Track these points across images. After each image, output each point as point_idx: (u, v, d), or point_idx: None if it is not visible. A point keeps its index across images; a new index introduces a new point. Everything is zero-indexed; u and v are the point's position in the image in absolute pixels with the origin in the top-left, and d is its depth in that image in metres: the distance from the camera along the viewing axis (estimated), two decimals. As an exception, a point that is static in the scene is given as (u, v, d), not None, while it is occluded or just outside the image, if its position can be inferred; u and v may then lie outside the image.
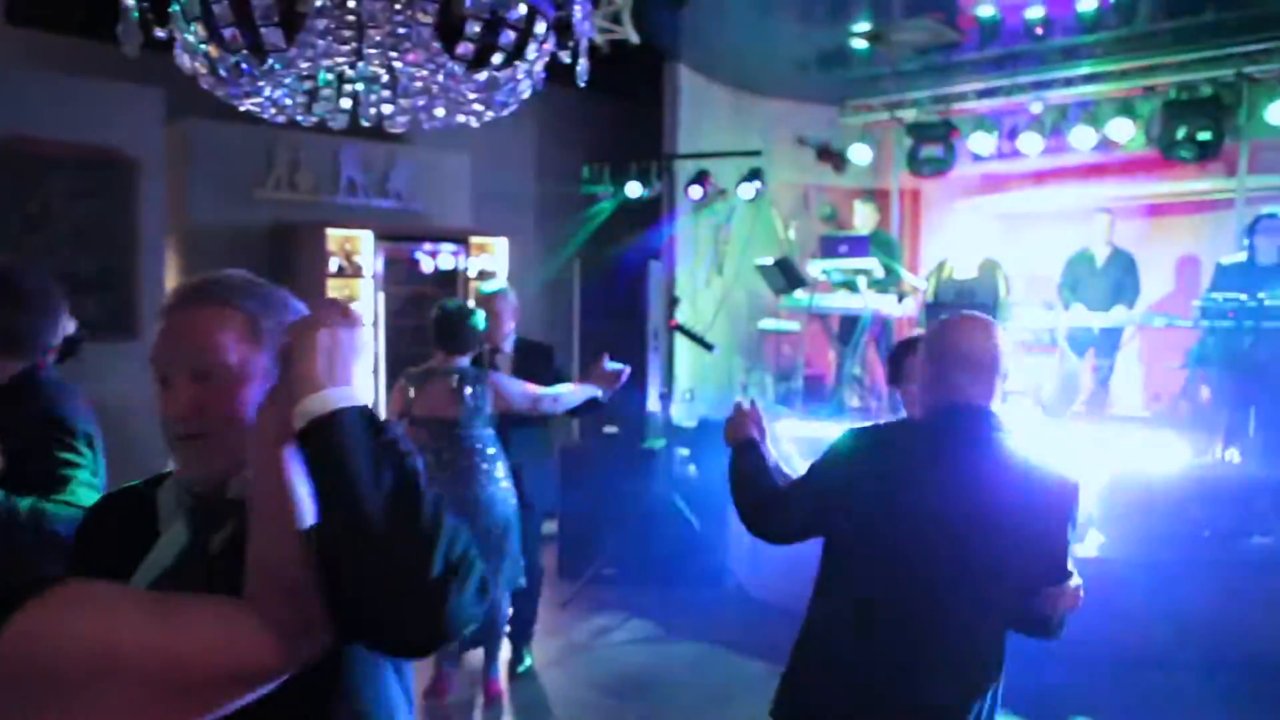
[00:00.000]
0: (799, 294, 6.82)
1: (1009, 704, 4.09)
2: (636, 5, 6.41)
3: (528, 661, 4.57)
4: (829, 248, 6.88)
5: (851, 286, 6.88)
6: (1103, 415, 6.89)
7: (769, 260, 6.77)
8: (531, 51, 2.23)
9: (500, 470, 3.85)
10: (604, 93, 7.20)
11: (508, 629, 4.56)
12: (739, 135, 7.54)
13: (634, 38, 6.49)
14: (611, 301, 5.97)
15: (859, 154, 7.88)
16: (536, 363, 4.31)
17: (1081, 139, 7.05)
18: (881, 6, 7.55)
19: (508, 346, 4.40)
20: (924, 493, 1.95)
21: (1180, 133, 6.64)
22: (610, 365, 3.98)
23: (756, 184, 6.16)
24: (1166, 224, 7.75)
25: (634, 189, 6.54)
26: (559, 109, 7.16)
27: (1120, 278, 6.77)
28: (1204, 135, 6.57)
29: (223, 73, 2.14)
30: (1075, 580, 1.99)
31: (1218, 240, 7.23)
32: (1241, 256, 6.02)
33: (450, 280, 6.53)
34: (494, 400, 3.81)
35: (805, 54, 7.58)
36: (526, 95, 2.44)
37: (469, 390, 3.77)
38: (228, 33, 1.98)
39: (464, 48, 2.13)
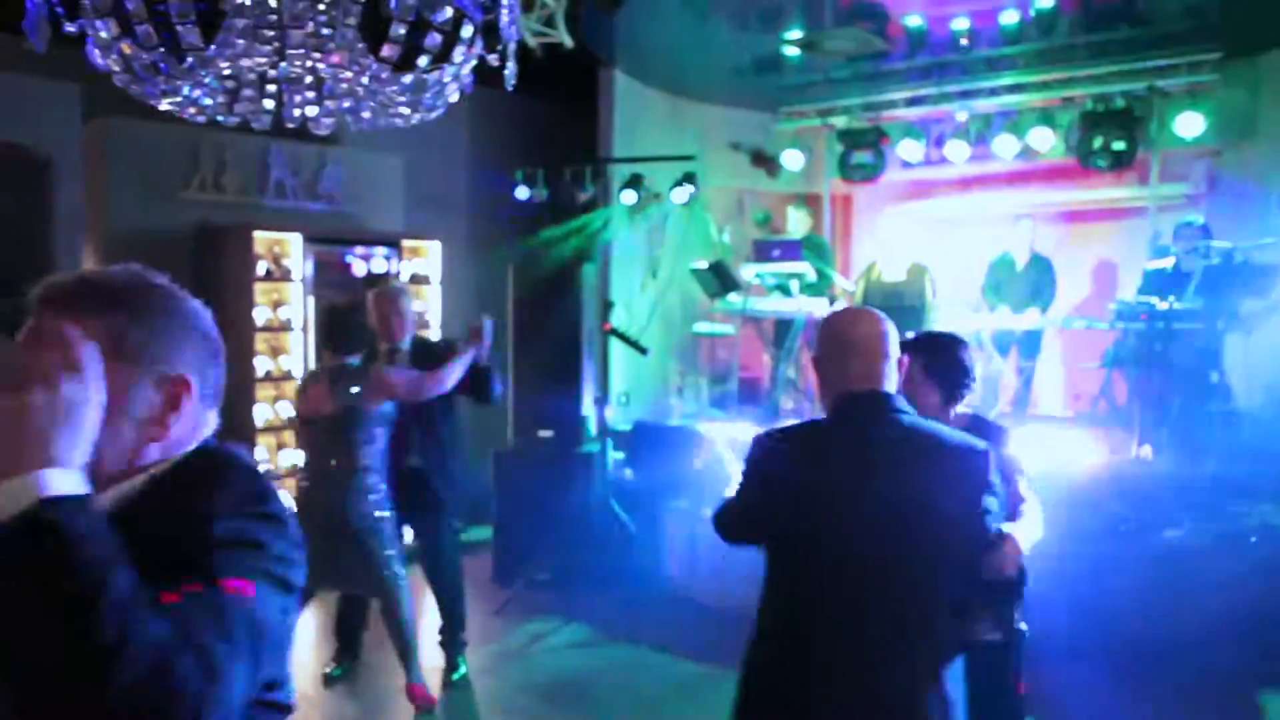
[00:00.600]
0: (733, 297, 6.89)
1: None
2: (570, 10, 6.42)
3: (462, 669, 4.52)
4: (763, 252, 6.96)
5: (785, 290, 6.98)
6: (1026, 415, 7.11)
7: (703, 264, 6.82)
8: (458, 54, 2.22)
9: (368, 477, 3.81)
10: (539, 96, 7.19)
11: (439, 638, 4.54)
12: (674, 140, 7.58)
13: (568, 42, 6.50)
14: (545, 305, 5.96)
15: (792, 159, 7.99)
16: (435, 360, 4.23)
17: (1005, 147, 7.26)
18: (813, 15, 7.69)
19: (405, 345, 4.36)
20: (841, 483, 1.99)
21: (1097, 142, 6.89)
22: (474, 323, 4.11)
23: (690, 188, 6.21)
24: (1085, 230, 8.03)
25: (568, 193, 6.54)
26: (493, 112, 7.13)
27: (1039, 281, 6.99)
28: (1119, 145, 6.82)
29: (139, 71, 2.08)
30: (1013, 543, 2.06)
31: (1132, 246, 7.51)
32: (1168, 262, 6.26)
33: (383, 284, 6.43)
34: (378, 393, 3.79)
35: (739, 60, 7.68)
36: (455, 98, 2.43)
37: (344, 388, 3.76)
38: (141, 30, 1.92)
39: (389, 50, 2.11)
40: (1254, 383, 6.42)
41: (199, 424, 1.17)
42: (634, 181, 6.52)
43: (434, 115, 2.43)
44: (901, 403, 2.05)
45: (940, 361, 2.48)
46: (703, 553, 5.40)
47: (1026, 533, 2.17)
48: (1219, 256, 6.06)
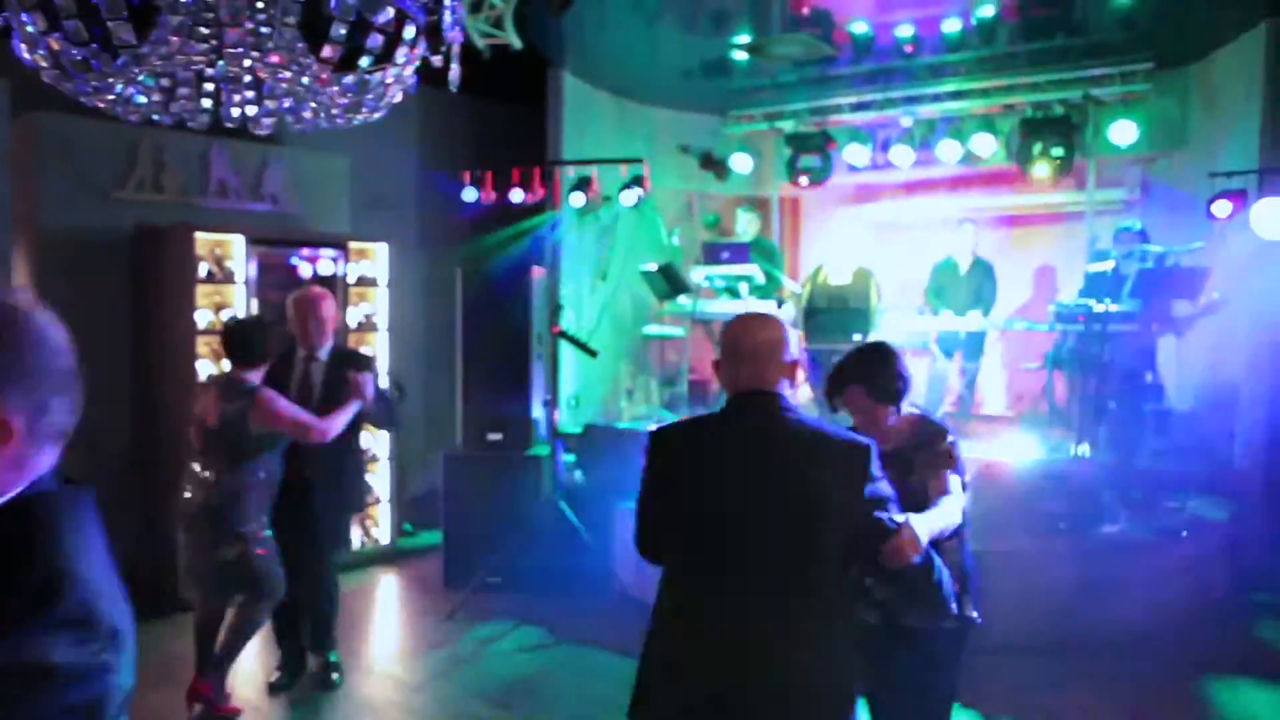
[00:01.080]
0: (683, 300, 6.92)
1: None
2: (519, 11, 6.40)
3: (334, 656, 4.48)
4: (712, 254, 7.01)
5: (734, 292, 7.03)
6: (970, 415, 7.25)
7: (653, 266, 6.85)
8: (400, 55, 2.19)
9: (243, 492, 3.79)
10: (488, 97, 7.15)
11: (309, 642, 4.48)
12: (623, 142, 7.60)
13: (516, 43, 6.47)
14: (494, 308, 5.92)
15: (740, 163, 8.05)
16: (355, 370, 4.14)
17: (948, 152, 7.41)
18: (761, 20, 7.77)
19: (324, 354, 4.25)
20: (723, 474, 2.11)
21: (1036, 149, 7.06)
22: (355, 376, 4.04)
23: (639, 191, 6.22)
24: (1025, 234, 8.21)
25: (516, 195, 6.50)
26: (442, 112, 7.07)
27: (981, 284, 7.14)
28: (1057, 151, 7.00)
29: (68, 67, 2.01)
30: (909, 531, 2.09)
31: (1071, 249, 7.71)
32: (1107, 265, 6.43)
33: (329, 286, 6.33)
34: (259, 419, 3.74)
35: (688, 64, 7.72)
36: (397, 99, 2.40)
37: (231, 403, 3.75)
38: (70, 25, 1.86)
39: (329, 50, 2.08)
40: (1185, 383, 6.63)
41: (24, 465, 1.04)
42: (582, 184, 6.51)
43: (376, 116, 2.40)
44: (788, 401, 2.16)
45: (881, 382, 2.66)
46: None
47: (930, 523, 2.23)
48: (1152, 260, 6.25)
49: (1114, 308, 5.96)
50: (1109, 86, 6.92)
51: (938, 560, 2.37)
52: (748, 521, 2.06)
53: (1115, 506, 5.32)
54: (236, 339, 3.87)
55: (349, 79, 2.19)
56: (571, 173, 6.77)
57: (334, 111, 2.32)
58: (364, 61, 2.14)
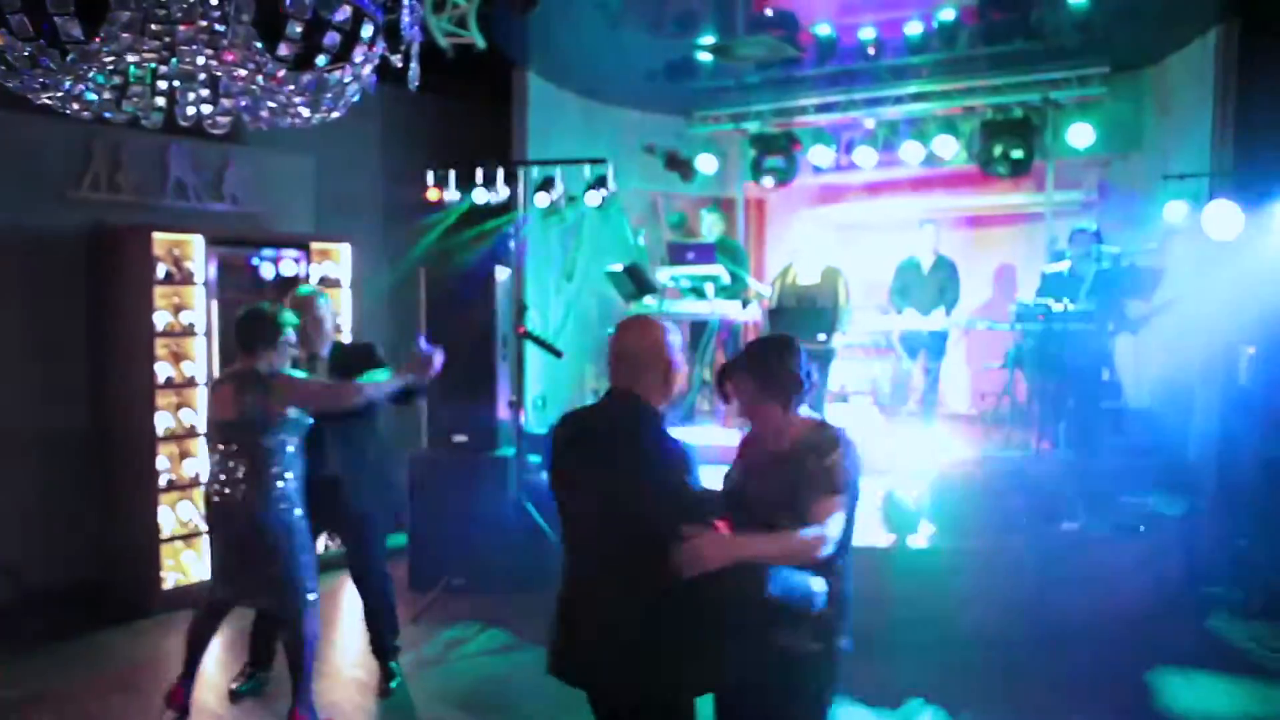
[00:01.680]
0: (648, 300, 6.93)
1: (846, 687, 4.29)
2: (483, 11, 6.36)
3: (398, 678, 4.47)
4: (677, 255, 7.02)
5: (700, 293, 7.05)
6: (934, 413, 7.34)
7: (618, 267, 6.85)
8: (359, 54, 2.17)
9: (275, 483, 3.71)
10: (453, 97, 7.11)
11: (370, 647, 4.49)
12: (588, 142, 7.59)
13: (480, 43, 6.44)
14: (459, 309, 5.87)
15: (706, 163, 8.08)
16: (355, 364, 4.17)
17: (910, 154, 7.50)
18: (726, 21, 7.78)
19: (325, 352, 4.27)
20: (581, 458, 2.42)
21: (996, 150, 7.17)
22: (425, 348, 3.93)
23: (603, 191, 6.21)
24: (986, 234, 8.34)
25: (480, 195, 6.46)
26: (406, 112, 7.01)
27: (944, 284, 7.22)
28: (1017, 153, 7.11)
29: (14, 63, 1.97)
30: (697, 544, 2.16)
31: (1031, 249, 7.84)
32: (1063, 265, 6.54)
33: (290, 287, 6.25)
34: (285, 399, 3.68)
35: (653, 64, 7.72)
36: (356, 98, 2.38)
37: (248, 394, 3.66)
38: (15, 19, 1.82)
39: (285, 48, 2.05)
40: (1142, 380, 6.76)
41: None
42: (547, 184, 6.49)
43: (335, 116, 2.37)
44: (647, 404, 2.37)
45: (770, 376, 2.51)
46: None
47: (751, 548, 2.22)
48: (1109, 261, 6.37)
49: (1072, 307, 6.06)
50: (1066, 90, 7.05)
51: (786, 582, 2.29)
52: (581, 510, 2.40)
53: (1075, 502, 5.40)
54: (248, 327, 3.76)
55: (306, 78, 2.17)
56: (536, 173, 6.75)
57: (292, 111, 2.29)
58: (321, 60, 2.11)
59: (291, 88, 2.18)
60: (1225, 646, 4.97)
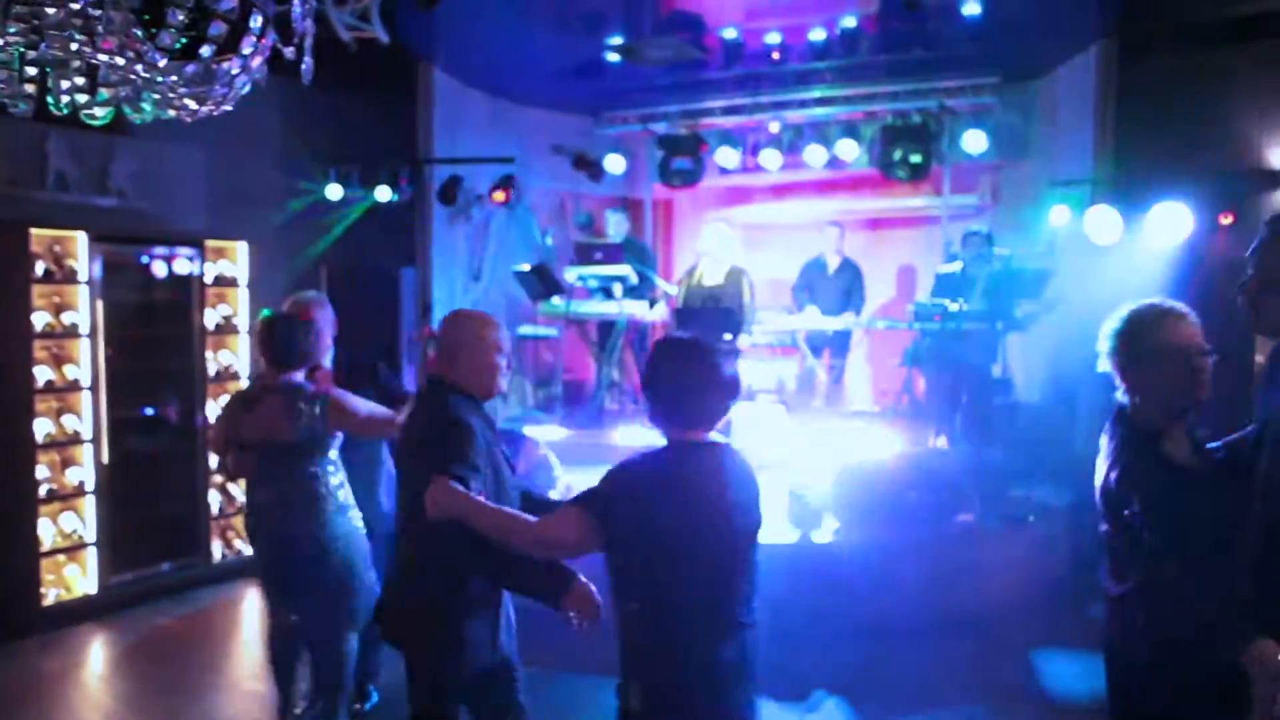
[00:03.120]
0: (556, 300, 6.90)
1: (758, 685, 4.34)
2: (387, 5, 6.22)
3: (374, 698, 4.23)
4: (585, 255, 7.02)
5: (608, 292, 7.06)
6: (837, 410, 7.51)
7: (526, 267, 6.80)
8: (247, 45, 2.09)
9: (347, 499, 3.47)
10: (356, 92, 6.93)
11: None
12: (496, 141, 7.52)
13: (384, 37, 6.29)
14: (362, 310, 5.74)
15: (614, 164, 8.09)
16: (359, 380, 3.90)
17: (814, 157, 7.66)
18: (634, 22, 7.81)
19: (328, 362, 3.95)
20: (402, 443, 2.70)
21: (896, 155, 7.39)
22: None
23: (509, 190, 6.17)
24: (888, 236, 8.58)
25: (384, 193, 6.33)
26: (306, 106, 6.80)
27: (849, 284, 7.41)
28: (915, 158, 7.34)
29: None
30: (440, 485, 2.31)
31: (929, 251, 8.10)
32: (956, 266, 6.78)
33: (184, 287, 6.02)
34: (334, 419, 3.40)
35: (561, 64, 7.69)
36: (245, 91, 2.29)
37: (305, 409, 3.33)
38: None
39: (166, 37, 1.95)
40: (1032, 377, 7.06)
41: None
42: (453, 182, 6.40)
43: (223, 109, 2.27)
44: (450, 388, 2.60)
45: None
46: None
47: (481, 512, 2.33)
48: (1000, 263, 6.63)
49: (965, 307, 6.29)
50: (961, 98, 7.31)
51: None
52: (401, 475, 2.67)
53: (969, 495, 5.59)
54: (278, 336, 3.43)
55: (191, 68, 2.08)
56: (443, 171, 6.66)
57: (177, 102, 2.18)
58: (206, 51, 2.03)
59: (174, 78, 2.09)
60: (1098, 629, 5.22)
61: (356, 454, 3.76)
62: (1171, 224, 5.88)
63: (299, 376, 3.44)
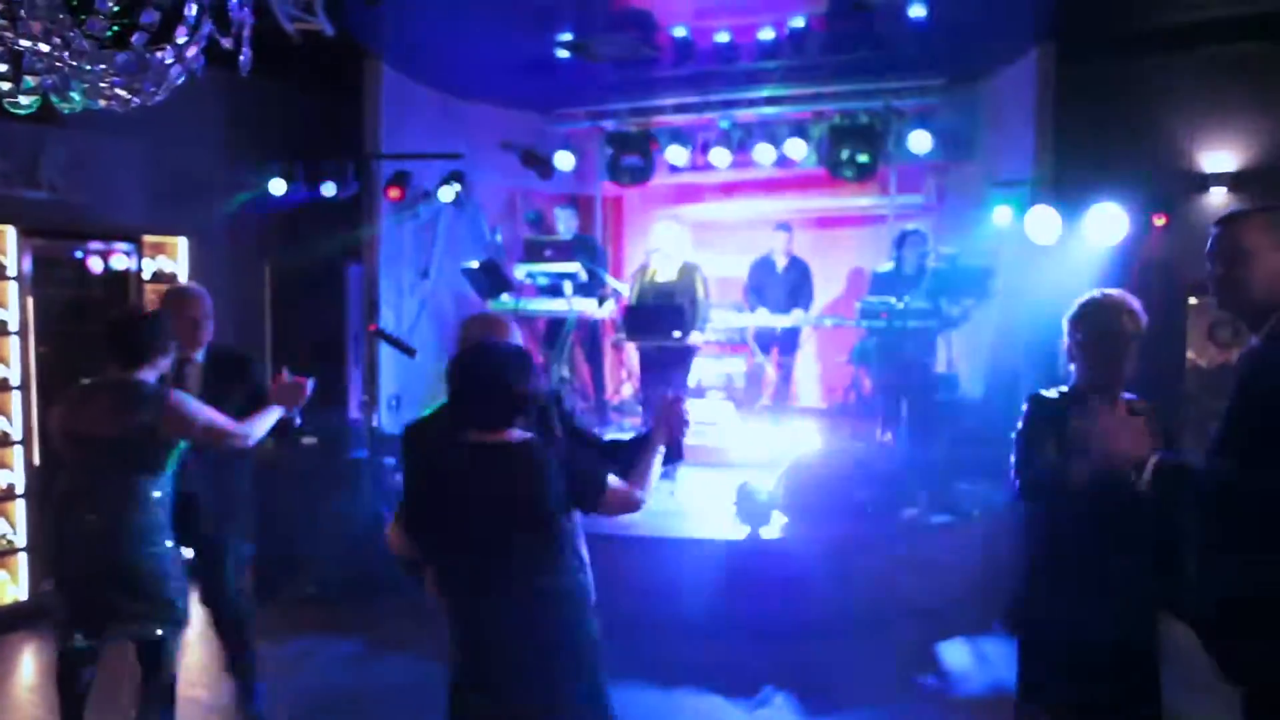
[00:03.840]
0: (505, 297, 6.86)
1: (699, 680, 4.37)
2: (331, -4, 6.12)
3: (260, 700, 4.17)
4: (534, 252, 6.98)
5: (557, 290, 7.03)
6: (786, 407, 7.58)
7: (475, 264, 6.74)
8: (181, 35, 2.03)
9: (152, 511, 3.26)
10: (301, 86, 6.81)
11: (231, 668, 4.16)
12: (444, 137, 7.44)
13: (328, 30, 6.17)
14: (307, 306, 5.66)
15: (563, 160, 8.06)
16: (230, 376, 3.83)
17: (763, 155, 7.71)
18: (584, 18, 7.77)
19: (199, 356, 3.88)
20: None
21: (843, 154, 7.47)
22: (290, 378, 3.61)
23: (457, 187, 6.10)
24: (836, 235, 8.67)
25: (329, 189, 6.22)
26: (249, 99, 6.66)
27: (797, 283, 7.48)
28: (862, 158, 7.44)
29: None
30: None
31: (877, 251, 8.20)
32: (890, 265, 6.89)
33: (122, 283, 5.86)
34: (166, 424, 3.22)
35: (510, 60, 7.63)
36: (180, 82, 2.22)
37: (134, 410, 3.19)
38: None
39: (95, 23, 1.89)
40: (975, 374, 7.20)
41: None
42: (400, 178, 6.32)
43: (156, 101, 2.20)
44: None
45: None
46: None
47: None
48: (945, 262, 6.75)
49: (913, 304, 6.39)
50: (906, 99, 7.41)
51: None
52: None
53: (915, 491, 5.69)
54: (120, 335, 3.27)
55: (123, 57, 2.01)
56: (390, 167, 6.57)
57: (108, 92, 2.11)
58: (136, 39, 1.96)
59: (105, 67, 2.02)
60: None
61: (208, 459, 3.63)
62: (1108, 224, 6.04)
63: (146, 374, 3.28)
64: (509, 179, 8.22)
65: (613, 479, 2.46)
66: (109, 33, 1.96)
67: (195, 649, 5.10)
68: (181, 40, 2.03)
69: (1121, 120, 6.62)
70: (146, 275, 5.88)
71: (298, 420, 3.74)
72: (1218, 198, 6.68)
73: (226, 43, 2.15)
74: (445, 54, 7.20)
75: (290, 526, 5.54)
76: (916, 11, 6.49)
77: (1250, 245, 2.23)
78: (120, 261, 5.80)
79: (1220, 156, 6.71)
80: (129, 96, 2.10)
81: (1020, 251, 6.49)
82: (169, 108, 2.75)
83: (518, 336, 2.81)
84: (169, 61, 2.05)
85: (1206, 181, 6.68)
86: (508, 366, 2.36)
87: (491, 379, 2.34)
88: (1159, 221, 6.26)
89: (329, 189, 6.26)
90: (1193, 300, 6.42)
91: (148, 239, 5.91)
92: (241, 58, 2.17)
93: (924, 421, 6.28)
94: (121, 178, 6.23)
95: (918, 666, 4.65)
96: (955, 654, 4.81)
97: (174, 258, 6.07)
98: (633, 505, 2.52)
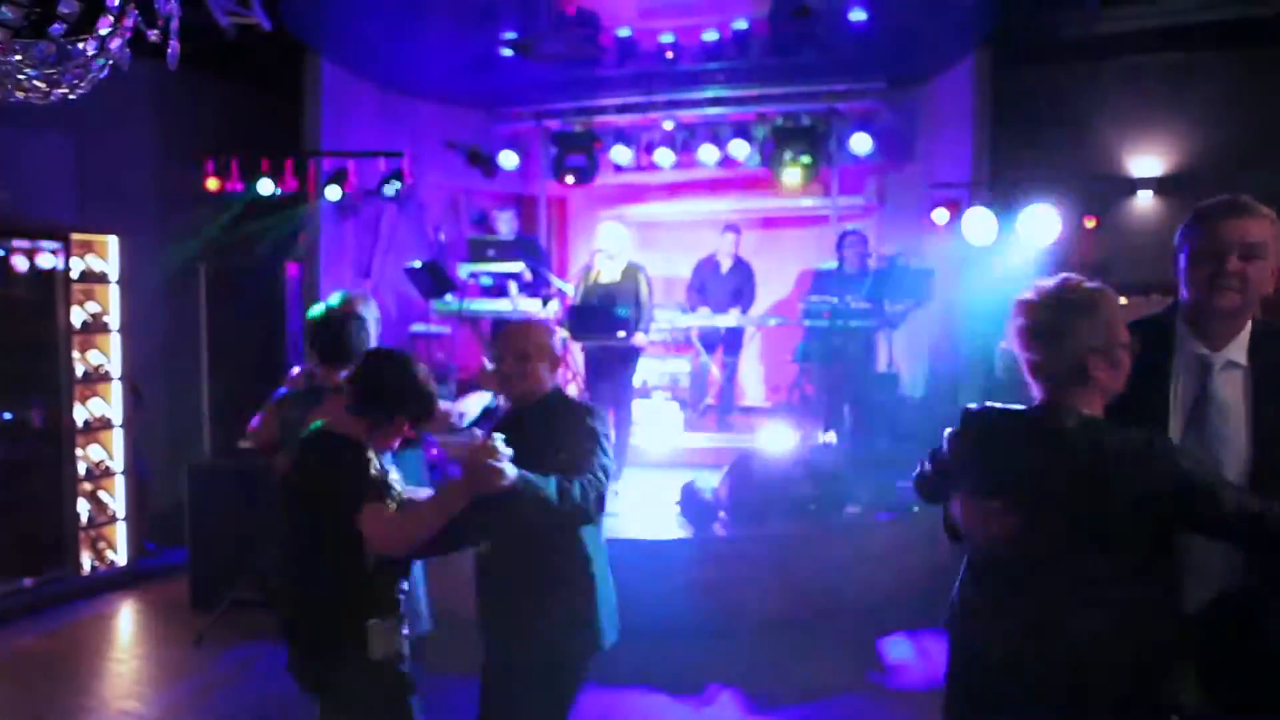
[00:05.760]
0: (449, 298, 6.79)
1: (644, 680, 4.38)
2: (269, -10, 5.99)
3: None
4: (477, 251, 6.93)
5: (501, 290, 6.99)
6: (730, 406, 7.63)
7: (418, 264, 6.67)
8: (104, 25, 1.97)
9: None
10: (238, 80, 6.67)
11: None
12: (387, 135, 7.34)
13: (266, 24, 6.06)
14: (245, 307, 5.53)
15: (507, 160, 8.01)
16: None
17: (707, 156, 7.76)
18: (528, 17, 7.74)
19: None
20: None
21: (786, 156, 7.54)
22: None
23: (399, 185, 6.02)
24: (780, 235, 8.75)
25: (266, 186, 6.09)
26: (184, 93, 6.50)
27: (741, 284, 7.53)
28: (805, 159, 7.51)
29: None
30: None
31: (820, 251, 8.30)
32: (833, 264, 6.98)
33: (48, 283, 5.67)
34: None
35: (454, 58, 7.56)
36: (104, 75, 2.15)
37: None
38: None
39: (8, 11, 1.81)
40: (916, 373, 7.33)
41: None
42: (341, 176, 6.22)
43: (77, 94, 2.13)
44: None
45: None
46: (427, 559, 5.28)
47: None
48: (886, 262, 6.86)
49: (854, 305, 6.47)
50: (848, 101, 7.51)
51: None
52: None
53: (857, 488, 5.76)
54: (333, 332, 3.29)
55: (41, 48, 1.94)
56: (329, 165, 6.46)
57: (26, 85, 2.03)
58: (56, 29, 1.89)
59: (19, 58, 1.94)
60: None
61: None
62: (1042, 226, 6.19)
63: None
64: (452, 178, 8.14)
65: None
66: (25, 21, 1.89)
67: (128, 660, 4.99)
68: (105, 31, 1.97)
69: (1054, 125, 6.81)
70: (75, 275, 5.69)
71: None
72: (1145, 201, 6.90)
73: (153, 35, 2.09)
74: (388, 50, 7.10)
75: (228, 533, 5.42)
76: (857, 15, 6.59)
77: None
78: (47, 260, 5.61)
79: (1147, 161, 6.94)
80: (48, 89, 2.03)
81: (958, 252, 6.63)
82: (98, 101, 2.67)
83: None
84: (91, 53, 1.99)
85: (1134, 185, 6.89)
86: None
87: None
88: (1090, 223, 6.44)
89: (266, 186, 6.12)
90: (1123, 300, 6.61)
91: (76, 237, 5.71)
92: (169, 51, 2.11)
93: (866, 420, 6.37)
94: (48, 174, 6.03)
95: (860, 662, 4.71)
96: (897, 649, 4.88)
97: (104, 257, 5.88)
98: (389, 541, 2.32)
